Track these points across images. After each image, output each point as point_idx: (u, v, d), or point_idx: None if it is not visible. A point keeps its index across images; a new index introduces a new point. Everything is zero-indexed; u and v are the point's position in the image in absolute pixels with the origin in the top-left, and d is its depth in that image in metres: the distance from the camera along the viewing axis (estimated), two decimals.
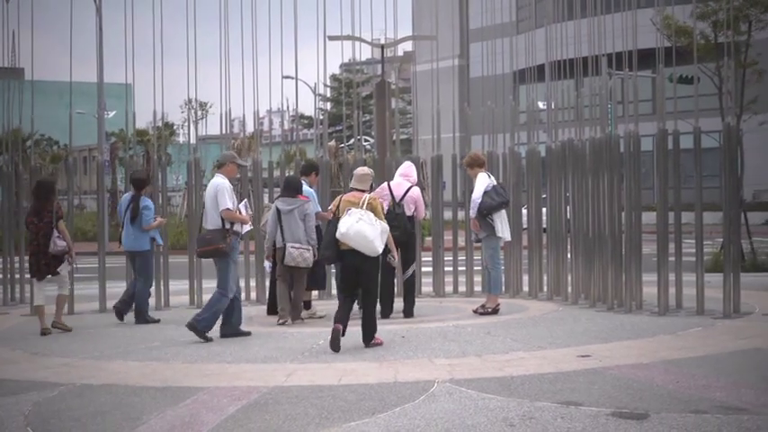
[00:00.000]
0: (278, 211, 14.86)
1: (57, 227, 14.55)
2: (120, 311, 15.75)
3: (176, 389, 9.60)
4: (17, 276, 19.04)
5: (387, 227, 12.28)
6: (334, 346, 11.68)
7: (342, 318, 12.02)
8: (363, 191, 12.62)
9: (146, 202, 15.94)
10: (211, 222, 13.34)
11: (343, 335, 11.88)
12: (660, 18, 16.79)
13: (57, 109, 63.12)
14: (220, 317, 13.49)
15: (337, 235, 12.02)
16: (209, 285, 17.39)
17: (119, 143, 56.34)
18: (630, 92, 16.01)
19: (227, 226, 13.29)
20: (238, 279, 13.97)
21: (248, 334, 13.54)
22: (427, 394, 8.97)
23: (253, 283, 18.36)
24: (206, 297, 17.26)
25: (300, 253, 14.60)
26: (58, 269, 14.67)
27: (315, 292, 16.65)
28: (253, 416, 8.35)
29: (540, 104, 21.29)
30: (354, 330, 12.11)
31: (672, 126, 14.98)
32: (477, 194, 15.18)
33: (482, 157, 15.87)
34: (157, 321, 15.64)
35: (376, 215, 12.20)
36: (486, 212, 15.07)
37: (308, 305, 15.66)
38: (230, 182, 13.70)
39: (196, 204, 18.56)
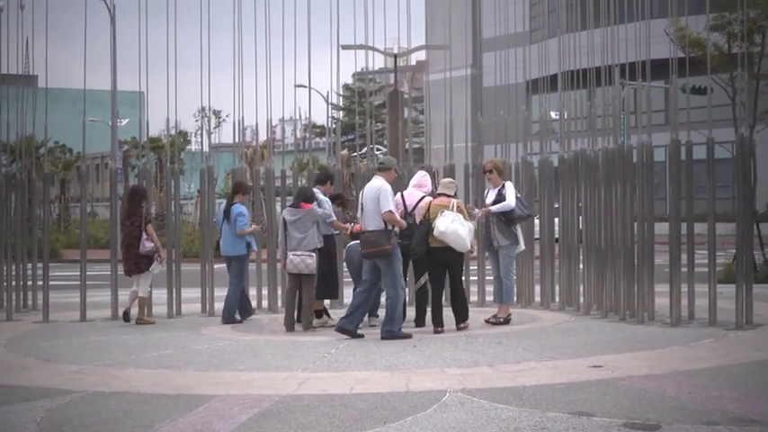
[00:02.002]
0: (284, 220, 15.04)
1: (145, 230, 16.33)
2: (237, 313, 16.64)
3: (188, 396, 9.61)
4: (30, 283, 19.06)
5: (473, 226, 14.57)
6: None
7: (440, 319, 14.40)
8: (450, 196, 14.63)
9: (240, 208, 16.62)
10: (373, 224, 13.72)
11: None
12: (674, 29, 16.78)
13: (70, 116, 63.30)
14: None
15: (436, 233, 14.09)
16: (221, 294, 17.48)
17: (131, 151, 56.44)
18: (643, 102, 16.00)
19: (389, 227, 13.71)
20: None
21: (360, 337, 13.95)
22: (439, 404, 8.95)
23: (265, 292, 18.37)
24: (218, 305, 17.38)
25: (302, 260, 14.73)
26: (150, 268, 16.40)
27: (327, 301, 16.65)
28: (264, 424, 8.35)
29: (553, 114, 21.27)
30: (367, 339, 12.06)
31: (685, 137, 14.96)
32: (511, 200, 15.20)
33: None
34: (240, 322, 16.29)
35: (464, 217, 14.33)
36: (516, 221, 15.18)
37: (320, 314, 15.67)
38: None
39: (209, 212, 18.62)
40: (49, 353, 13.09)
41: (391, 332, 13.67)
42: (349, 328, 13.83)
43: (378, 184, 13.91)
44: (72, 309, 17.63)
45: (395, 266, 13.81)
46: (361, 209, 13.97)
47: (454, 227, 14.08)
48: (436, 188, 15.40)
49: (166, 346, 13.41)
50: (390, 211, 13.66)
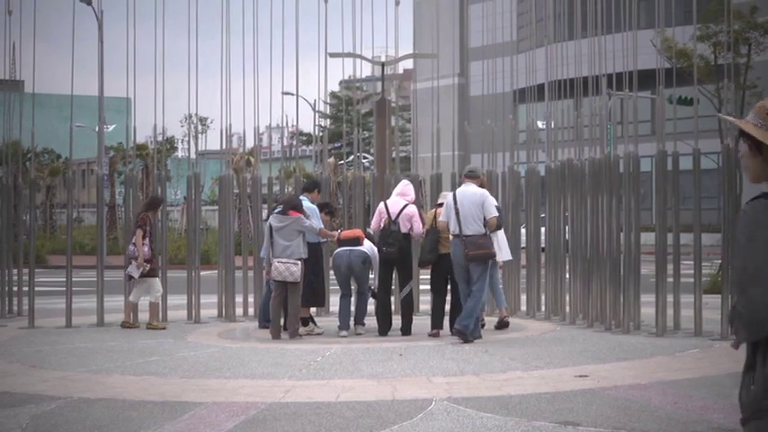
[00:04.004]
0: (270, 227, 15.03)
1: (134, 233, 16.58)
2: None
3: (174, 403, 9.60)
4: (15, 289, 19.01)
5: None
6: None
7: (439, 322, 14.90)
8: None
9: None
10: (473, 228, 14.05)
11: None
12: (660, 39, 16.87)
13: (56, 122, 63.33)
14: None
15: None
16: (207, 300, 17.47)
17: (117, 157, 56.34)
18: (630, 112, 16.06)
19: (488, 232, 14.21)
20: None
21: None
22: (425, 412, 8.97)
23: (251, 299, 18.36)
24: (204, 312, 17.38)
25: (287, 267, 14.71)
26: (127, 270, 16.56)
27: (313, 309, 16.64)
28: None
29: (540, 124, 21.34)
30: (354, 347, 12.06)
31: (671, 147, 15.02)
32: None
33: None
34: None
35: None
36: (498, 228, 15.24)
37: (306, 322, 15.67)
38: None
39: (195, 219, 18.60)
40: (35, 359, 13.06)
41: (466, 328, 13.93)
42: (471, 336, 14.06)
43: (478, 190, 14.39)
44: (57, 315, 17.56)
45: (489, 270, 14.37)
46: (455, 213, 14.14)
47: None
48: (422, 197, 15.46)
49: (152, 353, 13.39)
50: (495, 217, 14.31)
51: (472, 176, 14.75)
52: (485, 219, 14.15)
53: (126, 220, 19.54)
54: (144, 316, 16.79)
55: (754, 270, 3.56)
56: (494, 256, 14.38)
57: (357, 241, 15.21)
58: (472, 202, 14.17)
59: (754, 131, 3.74)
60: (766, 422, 3.61)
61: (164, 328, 16.40)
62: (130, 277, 16.55)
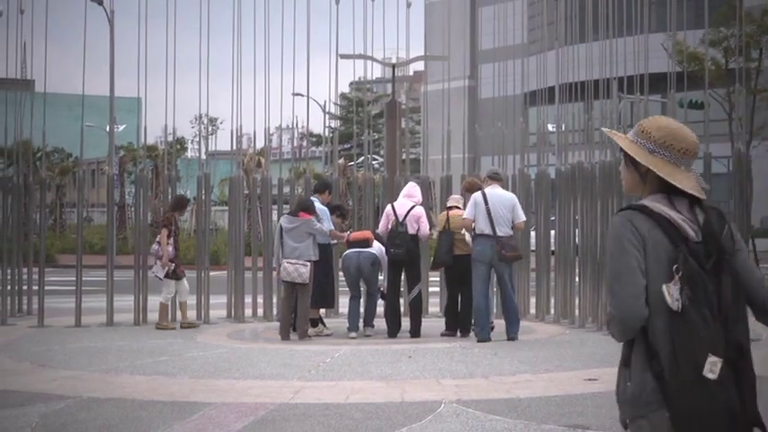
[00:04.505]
0: (281, 227, 15.05)
1: (159, 232, 16.80)
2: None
3: (184, 404, 9.60)
4: (24, 288, 19.04)
5: None
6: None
7: (454, 323, 15.18)
8: (460, 209, 15.25)
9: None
10: (505, 230, 14.39)
11: None
12: (672, 43, 16.84)
13: (66, 121, 63.29)
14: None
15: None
16: (217, 301, 17.51)
17: (127, 157, 56.41)
18: (641, 116, 16.03)
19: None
20: None
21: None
22: (434, 414, 8.96)
23: (260, 300, 18.36)
24: (213, 313, 17.40)
25: (296, 268, 14.73)
26: (151, 270, 16.78)
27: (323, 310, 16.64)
28: None
29: (550, 127, 21.32)
30: (363, 349, 12.05)
31: None
32: None
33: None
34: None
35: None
36: None
37: (315, 323, 15.67)
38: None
39: (205, 219, 18.62)
40: (44, 358, 13.08)
41: (516, 333, 14.50)
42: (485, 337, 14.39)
43: (507, 193, 15.11)
44: (67, 314, 17.59)
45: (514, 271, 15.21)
46: (487, 213, 14.32)
47: None
48: (431, 199, 15.49)
49: (161, 353, 13.40)
50: (523, 221, 15.02)
51: (497, 178, 15.08)
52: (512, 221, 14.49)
53: (136, 219, 19.53)
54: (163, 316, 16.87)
55: (619, 275, 3.94)
56: (521, 258, 15.17)
57: (366, 243, 15.21)
58: (503, 203, 14.50)
59: (628, 147, 4.11)
60: (649, 420, 3.83)
61: (173, 329, 16.47)
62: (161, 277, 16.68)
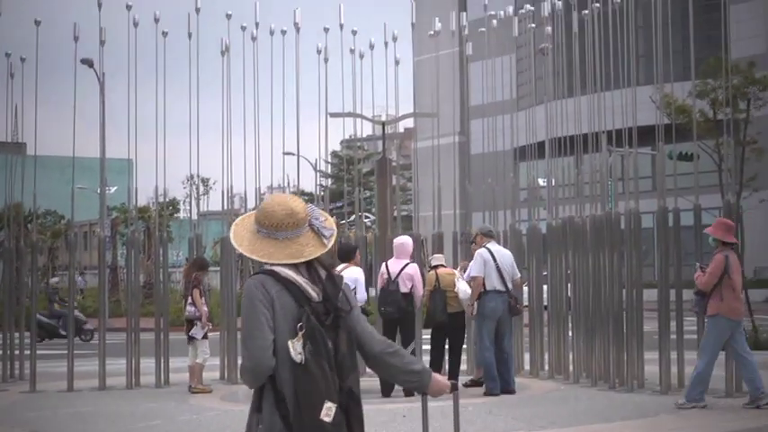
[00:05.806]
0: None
1: (191, 294, 16.51)
2: None
3: None
4: (17, 352, 18.91)
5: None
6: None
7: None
8: (445, 266, 15.71)
9: None
10: (508, 285, 14.90)
11: None
12: (659, 96, 16.92)
13: (58, 183, 63.21)
14: None
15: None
16: (209, 363, 17.41)
17: (119, 219, 56.35)
18: (631, 169, 16.09)
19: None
20: None
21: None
22: None
23: None
24: (206, 375, 17.29)
25: None
26: (191, 332, 16.40)
27: None
28: None
29: (541, 181, 21.35)
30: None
31: (672, 203, 15.02)
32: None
33: None
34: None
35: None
36: None
37: None
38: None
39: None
40: (37, 424, 12.99)
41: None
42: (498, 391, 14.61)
43: (506, 250, 15.61)
44: (59, 378, 17.46)
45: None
46: (497, 270, 14.73)
47: (469, 290, 14.88)
48: (424, 256, 15.49)
49: (154, 417, 13.31)
50: (521, 278, 15.66)
51: (492, 236, 15.48)
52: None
53: (128, 282, 19.45)
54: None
55: (251, 330, 4.70)
56: (520, 312, 15.67)
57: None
58: (507, 260, 15.01)
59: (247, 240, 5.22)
60: None
61: (209, 391, 16.22)
62: (191, 338, 16.47)
